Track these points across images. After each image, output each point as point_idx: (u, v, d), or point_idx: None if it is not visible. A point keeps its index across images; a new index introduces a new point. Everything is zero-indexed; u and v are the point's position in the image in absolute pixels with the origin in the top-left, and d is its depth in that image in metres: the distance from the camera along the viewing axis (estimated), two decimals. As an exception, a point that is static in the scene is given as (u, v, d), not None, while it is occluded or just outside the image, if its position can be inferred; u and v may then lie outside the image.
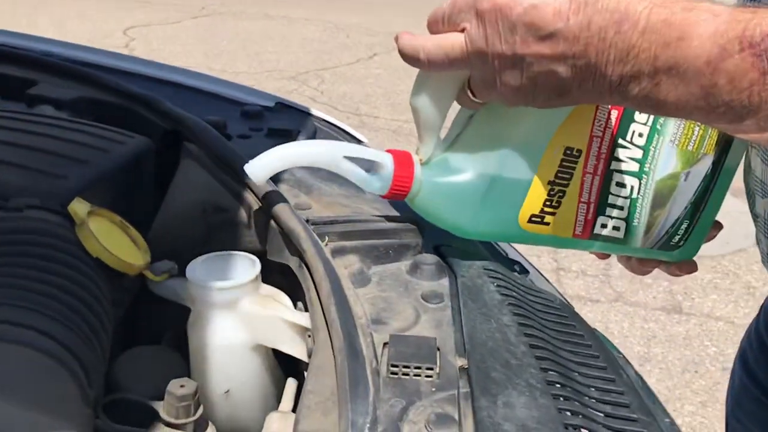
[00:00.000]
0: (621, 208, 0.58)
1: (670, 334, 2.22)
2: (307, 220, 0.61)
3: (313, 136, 0.89)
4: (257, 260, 0.59)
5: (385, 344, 0.49)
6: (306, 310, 0.56)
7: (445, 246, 0.63)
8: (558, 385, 0.47)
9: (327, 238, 0.60)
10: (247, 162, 0.53)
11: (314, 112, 0.99)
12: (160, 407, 0.50)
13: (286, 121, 0.91)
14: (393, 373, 0.46)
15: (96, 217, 0.57)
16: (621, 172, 0.57)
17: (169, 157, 0.73)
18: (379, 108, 4.06)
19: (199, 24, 5.71)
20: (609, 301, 2.36)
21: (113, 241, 0.57)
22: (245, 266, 0.59)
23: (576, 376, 0.49)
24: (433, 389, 0.46)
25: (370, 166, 0.54)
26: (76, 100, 0.83)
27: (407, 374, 0.46)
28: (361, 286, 0.57)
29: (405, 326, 0.52)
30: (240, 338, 0.57)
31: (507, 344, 0.50)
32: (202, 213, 0.64)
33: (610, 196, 0.57)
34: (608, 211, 0.58)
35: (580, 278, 2.46)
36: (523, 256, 0.81)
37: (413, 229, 0.62)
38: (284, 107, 0.98)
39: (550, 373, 0.48)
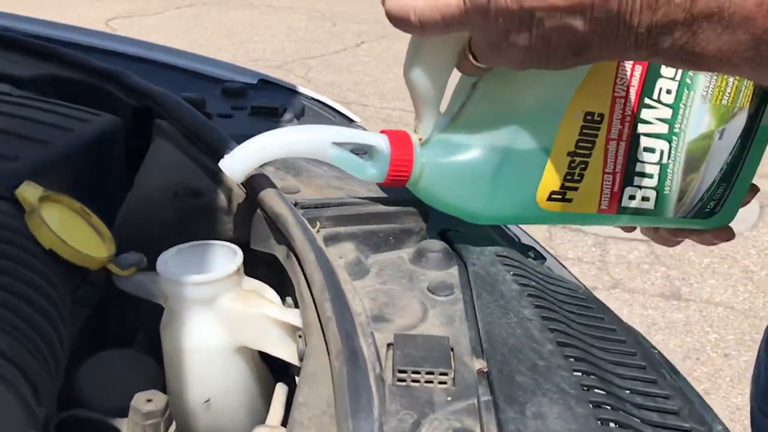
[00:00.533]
0: (650, 176, 0.52)
1: (670, 321, 2.19)
2: (296, 204, 0.54)
3: (300, 114, 0.82)
4: (239, 250, 0.52)
5: (389, 345, 0.42)
6: (296, 306, 0.49)
7: (452, 231, 0.56)
8: (595, 390, 0.40)
9: (318, 223, 0.53)
10: (226, 138, 0.47)
11: (300, 89, 0.92)
12: (124, 425, 0.43)
13: (271, 99, 0.84)
14: (400, 380, 0.39)
15: (50, 203, 0.49)
16: (649, 135, 0.51)
17: (142, 138, 0.66)
18: (368, 96, 4.01)
19: (183, 14, 5.64)
20: (607, 289, 2.33)
21: (71, 230, 0.49)
22: (225, 257, 0.52)
23: (613, 378, 0.42)
24: (449, 398, 0.39)
25: (363, 150, 0.49)
26: (36, 77, 0.75)
27: (417, 381, 0.39)
28: (359, 278, 0.50)
29: (411, 323, 0.45)
30: (220, 340, 0.51)
31: (531, 342, 0.43)
32: (174, 197, 0.57)
33: (638, 163, 0.52)
34: (636, 180, 0.52)
35: (576, 266, 2.43)
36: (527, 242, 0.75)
37: (416, 212, 0.56)
38: (268, 84, 0.91)
39: (584, 375, 0.41)
